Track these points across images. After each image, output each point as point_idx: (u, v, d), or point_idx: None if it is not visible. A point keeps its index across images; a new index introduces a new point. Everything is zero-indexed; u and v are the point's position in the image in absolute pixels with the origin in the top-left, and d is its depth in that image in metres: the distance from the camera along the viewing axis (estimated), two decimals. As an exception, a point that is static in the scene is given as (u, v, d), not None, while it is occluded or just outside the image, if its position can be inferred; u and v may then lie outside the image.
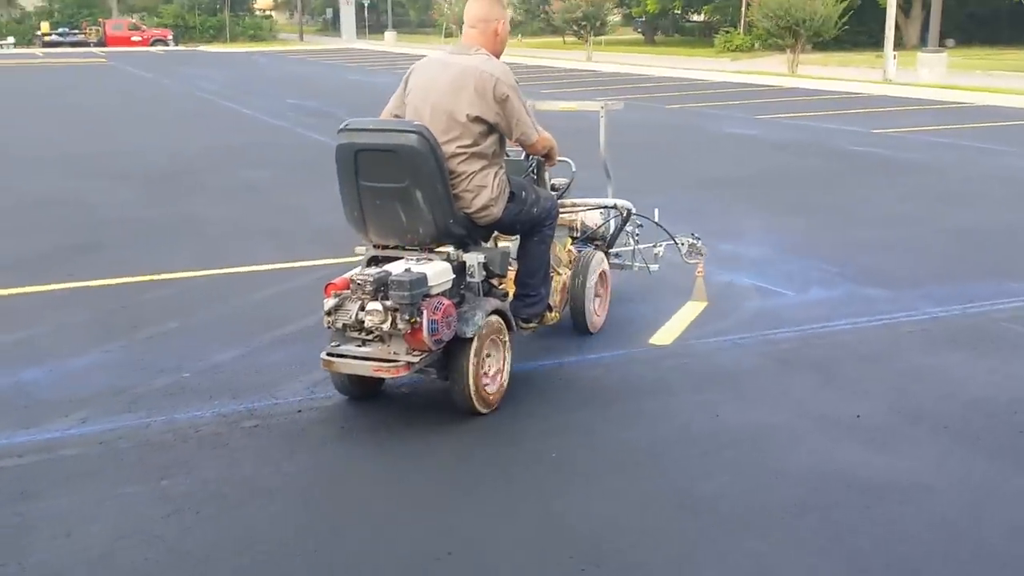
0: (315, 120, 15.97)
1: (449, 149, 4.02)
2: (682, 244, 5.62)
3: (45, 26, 53.18)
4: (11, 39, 52.00)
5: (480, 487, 3.51)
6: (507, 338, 4.21)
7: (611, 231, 5.61)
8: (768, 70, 27.36)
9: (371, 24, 66.77)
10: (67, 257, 6.97)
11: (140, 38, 52.40)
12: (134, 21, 55.56)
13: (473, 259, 4.11)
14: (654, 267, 5.67)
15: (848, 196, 9.31)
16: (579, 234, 5.42)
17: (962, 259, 6.82)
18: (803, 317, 5.46)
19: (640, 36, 53.58)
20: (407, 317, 3.69)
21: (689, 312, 5.57)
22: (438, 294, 3.84)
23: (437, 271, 3.89)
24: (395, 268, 3.86)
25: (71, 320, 5.49)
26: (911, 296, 5.82)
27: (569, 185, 5.27)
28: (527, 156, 4.68)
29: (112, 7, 59.69)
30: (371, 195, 4.01)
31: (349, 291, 3.85)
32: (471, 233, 4.17)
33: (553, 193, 4.89)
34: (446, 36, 55.54)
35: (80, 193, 9.69)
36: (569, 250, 5.19)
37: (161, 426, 3.98)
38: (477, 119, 4.01)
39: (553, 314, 4.72)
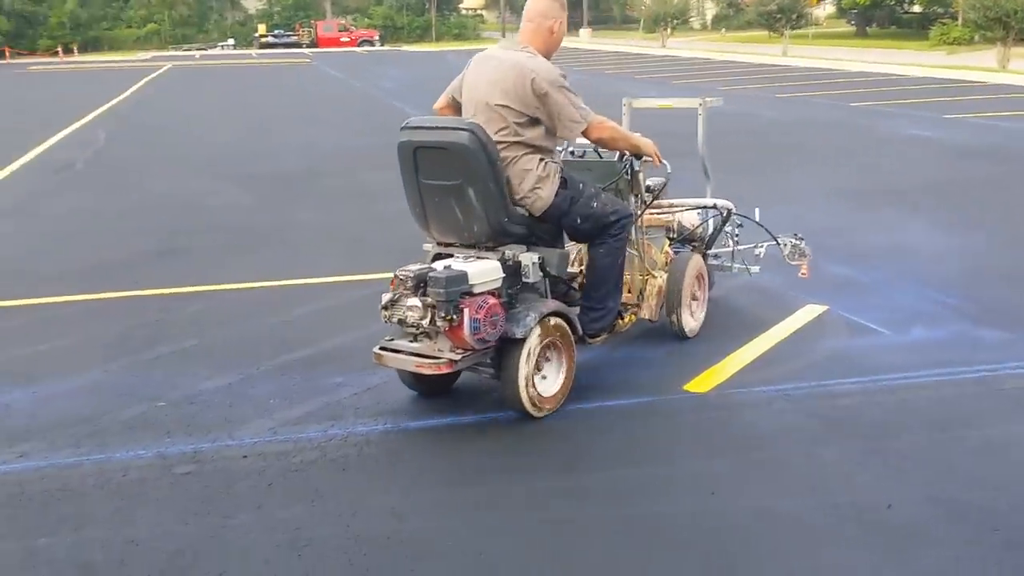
0: (468, 120, 15.72)
1: (494, 139, 3.99)
2: (784, 245, 5.43)
3: (262, 28, 56.23)
4: (231, 41, 55.37)
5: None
6: (570, 342, 4.12)
7: (709, 232, 5.45)
8: (977, 65, 24.97)
9: (574, 20, 66.61)
10: (141, 264, 6.91)
11: (348, 39, 54.47)
12: (343, 23, 57.82)
13: (528, 259, 4.02)
14: (755, 269, 5.46)
15: (1015, 212, 8.06)
16: (676, 235, 5.27)
17: (1124, 295, 5.63)
18: (885, 364, 4.57)
19: (853, 29, 50.61)
20: (443, 314, 3.71)
21: (752, 350, 4.81)
22: (484, 292, 3.82)
23: (482, 269, 3.87)
24: (439, 265, 3.90)
25: (97, 334, 5.34)
26: (1033, 342, 4.80)
27: (664, 186, 4.87)
28: (620, 157, 4.59)
29: (326, 9, 62.37)
30: (430, 192, 4.07)
31: None
32: (535, 232, 4.12)
33: (646, 195, 4.75)
34: (645, 31, 54.67)
35: (199, 196, 9.78)
36: (666, 251, 5.07)
37: (91, 467, 3.67)
38: (511, 109, 3.99)
39: (627, 318, 4.63)
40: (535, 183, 4.04)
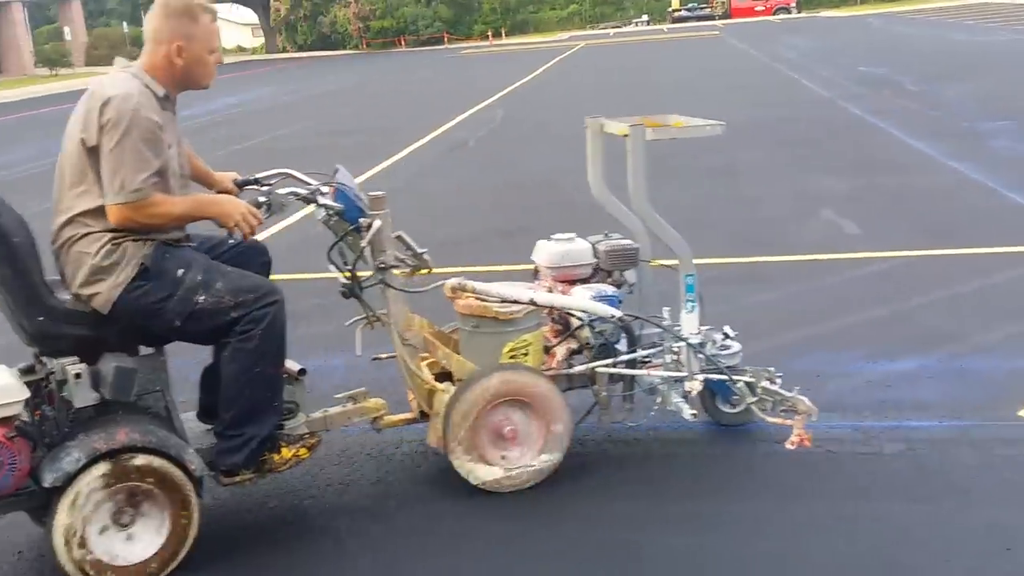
0: (865, 91, 14.61)
1: (63, 204, 2.97)
2: (742, 385, 3.44)
3: (675, 2, 56.51)
4: (645, 17, 56.33)
5: None
6: (177, 488, 2.88)
7: (612, 338, 3.53)
8: None
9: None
10: (479, 243, 7.18)
11: (763, 7, 53.10)
12: (760, -10, 56.41)
13: (71, 373, 2.87)
14: (687, 411, 3.44)
15: None
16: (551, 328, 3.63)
17: None
18: None
19: None
20: None
21: None
22: None
23: None
24: None
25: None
26: None
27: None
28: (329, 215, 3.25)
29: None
30: None
31: None
32: (109, 335, 2.97)
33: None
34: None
35: (561, 174, 9.94)
36: (518, 350, 3.40)
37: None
38: (82, 154, 2.91)
39: (289, 452, 3.16)
40: (90, 275, 2.91)
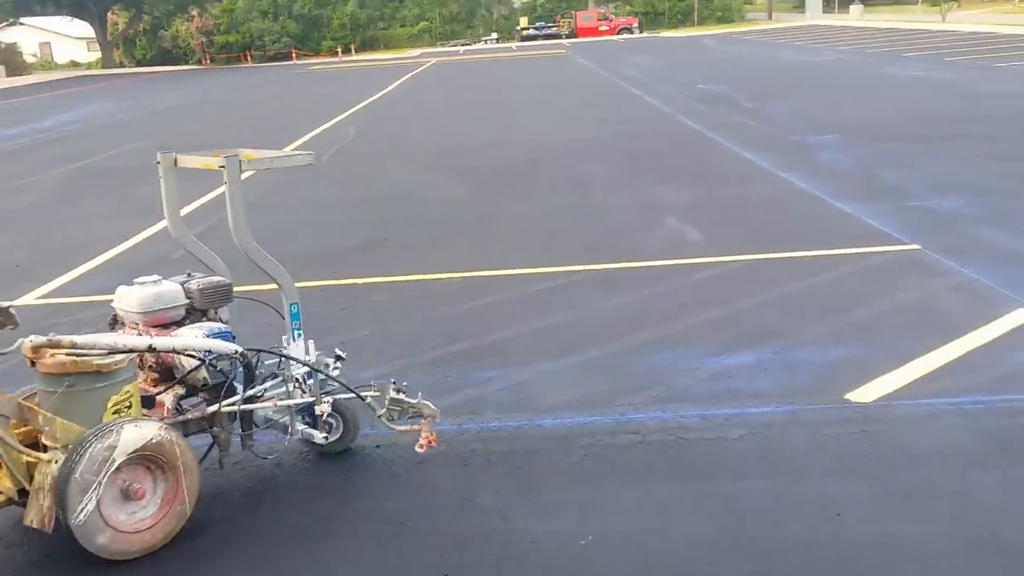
0: (704, 107, 15.32)
1: None
2: (371, 398, 3.60)
3: (523, 21, 57.58)
4: (494, 35, 57.14)
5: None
6: None
7: (232, 375, 3.43)
8: None
9: (845, -3, 63.20)
10: (346, 254, 7.26)
11: (607, 27, 54.68)
12: (603, 12, 58.04)
13: None
14: (319, 436, 3.55)
15: None
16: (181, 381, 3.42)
17: None
18: (1091, 380, 4.00)
19: None
20: None
21: (940, 356, 4.38)
22: None
23: None
24: None
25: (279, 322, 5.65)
26: None
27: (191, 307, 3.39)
28: None
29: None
30: None
31: None
32: None
33: None
34: (928, 4, 51.22)
35: (419, 188, 10.14)
36: (115, 411, 3.14)
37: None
38: None
39: None
40: None
